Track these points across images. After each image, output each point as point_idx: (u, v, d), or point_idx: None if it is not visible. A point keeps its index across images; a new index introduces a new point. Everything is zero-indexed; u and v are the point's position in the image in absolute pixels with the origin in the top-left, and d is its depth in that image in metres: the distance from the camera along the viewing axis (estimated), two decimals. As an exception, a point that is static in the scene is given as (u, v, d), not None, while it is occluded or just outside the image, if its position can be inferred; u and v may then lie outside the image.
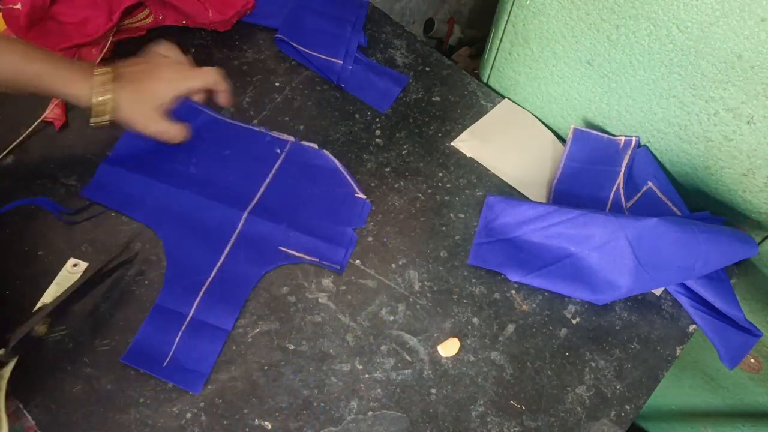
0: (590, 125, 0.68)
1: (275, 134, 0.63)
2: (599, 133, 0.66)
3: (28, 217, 0.57)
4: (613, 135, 0.66)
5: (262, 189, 0.60)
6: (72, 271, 0.54)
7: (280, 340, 0.53)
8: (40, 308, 0.50)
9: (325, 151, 0.62)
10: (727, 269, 0.59)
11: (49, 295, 0.52)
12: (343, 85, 0.69)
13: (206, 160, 0.61)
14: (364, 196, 0.61)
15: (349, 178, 0.62)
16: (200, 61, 0.70)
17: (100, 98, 0.54)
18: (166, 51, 0.61)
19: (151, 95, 0.57)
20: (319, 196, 0.61)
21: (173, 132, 0.59)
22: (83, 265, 0.54)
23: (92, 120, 0.55)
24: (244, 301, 0.54)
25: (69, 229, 0.57)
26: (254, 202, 0.59)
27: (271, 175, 0.61)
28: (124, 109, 0.55)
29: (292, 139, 0.63)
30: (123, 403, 0.49)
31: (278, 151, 0.62)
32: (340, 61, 0.69)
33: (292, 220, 0.58)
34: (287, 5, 0.73)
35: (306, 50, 0.70)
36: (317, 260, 0.57)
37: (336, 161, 0.62)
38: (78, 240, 0.56)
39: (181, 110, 0.60)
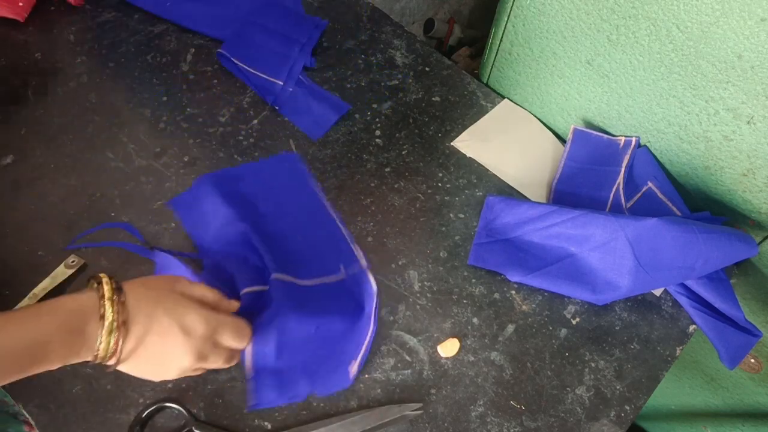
0: (590, 125, 0.68)
1: (353, 246, 0.57)
2: (599, 133, 0.66)
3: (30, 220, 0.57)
4: (613, 135, 0.66)
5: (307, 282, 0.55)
6: (70, 266, 0.54)
7: (279, 341, 0.53)
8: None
9: (375, 296, 0.54)
10: (726, 269, 0.59)
11: (42, 287, 0.52)
12: (277, 108, 0.67)
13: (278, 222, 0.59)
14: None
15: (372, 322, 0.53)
16: (200, 60, 0.70)
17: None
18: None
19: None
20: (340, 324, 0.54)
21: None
22: (80, 261, 0.54)
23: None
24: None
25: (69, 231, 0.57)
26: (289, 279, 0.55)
27: (320, 281, 0.56)
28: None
29: (363, 263, 0.56)
30: (122, 404, 0.49)
31: (341, 268, 0.57)
32: (281, 83, 0.67)
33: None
34: (237, 19, 0.71)
35: (247, 67, 0.68)
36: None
37: (374, 298, 0.53)
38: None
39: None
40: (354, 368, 0.51)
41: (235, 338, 0.46)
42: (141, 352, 0.41)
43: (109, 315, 0.39)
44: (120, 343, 0.39)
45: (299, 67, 0.69)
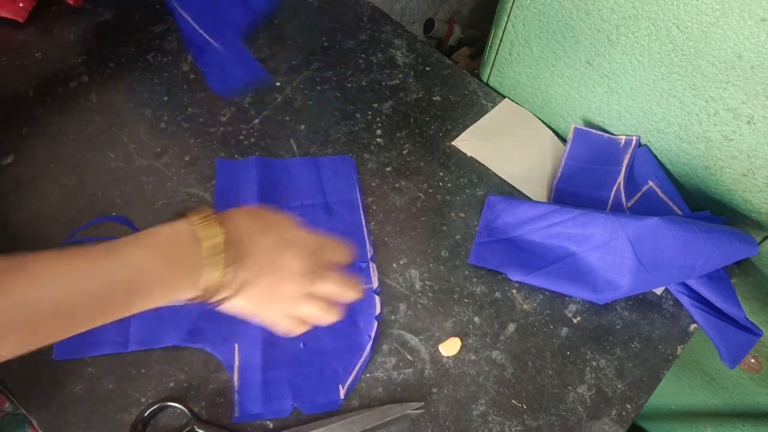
0: (590, 125, 0.68)
1: (371, 267, 0.57)
2: (600, 133, 0.66)
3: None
4: (614, 134, 0.66)
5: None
6: None
7: (281, 340, 0.53)
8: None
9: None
10: (727, 269, 0.59)
11: None
12: (192, 57, 0.65)
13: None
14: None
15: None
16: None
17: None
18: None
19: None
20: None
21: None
22: None
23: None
24: None
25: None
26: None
27: None
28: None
29: (374, 286, 0.56)
30: (124, 403, 0.49)
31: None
32: (205, 35, 0.63)
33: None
34: None
35: (184, 13, 0.63)
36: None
37: (375, 326, 0.53)
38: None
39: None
40: (342, 392, 0.50)
41: (340, 253, 0.43)
42: (250, 270, 0.37)
43: (212, 234, 0.36)
44: (226, 267, 0.36)
45: (235, 29, 0.65)
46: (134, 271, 0.34)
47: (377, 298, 0.55)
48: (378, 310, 0.54)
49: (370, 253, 0.57)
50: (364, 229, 0.59)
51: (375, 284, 0.56)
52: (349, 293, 0.43)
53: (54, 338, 0.33)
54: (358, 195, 0.61)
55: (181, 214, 0.38)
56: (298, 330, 0.43)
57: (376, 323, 0.53)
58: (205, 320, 0.52)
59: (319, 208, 0.60)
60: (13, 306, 0.30)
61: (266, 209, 0.42)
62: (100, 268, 0.33)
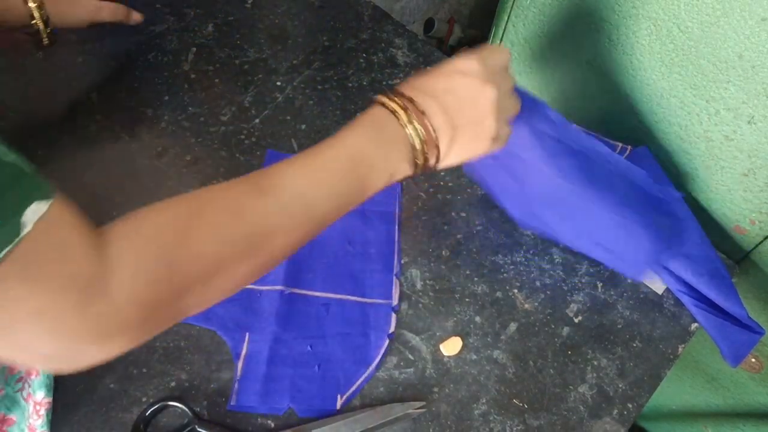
0: (590, 125, 0.68)
1: (394, 283, 0.56)
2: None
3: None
4: (614, 136, 0.66)
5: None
6: None
7: (282, 339, 0.53)
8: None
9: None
10: (728, 268, 0.59)
11: None
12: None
13: None
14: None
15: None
16: (201, 59, 0.70)
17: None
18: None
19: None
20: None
21: None
22: None
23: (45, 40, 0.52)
24: None
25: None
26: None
27: (339, 297, 0.56)
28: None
29: (393, 303, 0.56)
30: (126, 402, 0.49)
31: (369, 293, 0.56)
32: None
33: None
34: None
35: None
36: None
37: (386, 342, 0.53)
38: None
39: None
40: (339, 402, 0.50)
41: (499, 55, 0.46)
42: (444, 116, 0.40)
43: (400, 113, 0.39)
44: (430, 129, 0.40)
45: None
46: (356, 151, 0.39)
47: (393, 316, 0.55)
48: (392, 328, 0.54)
49: (396, 269, 0.57)
50: (396, 244, 0.59)
51: (395, 301, 0.55)
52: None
53: (323, 226, 0.38)
54: (397, 209, 0.61)
55: (372, 101, 0.42)
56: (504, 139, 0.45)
57: (387, 340, 0.53)
58: (222, 304, 0.52)
59: (355, 213, 0.59)
60: (290, 201, 0.36)
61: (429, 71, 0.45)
62: (330, 159, 0.38)
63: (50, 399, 0.45)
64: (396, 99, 0.40)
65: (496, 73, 0.44)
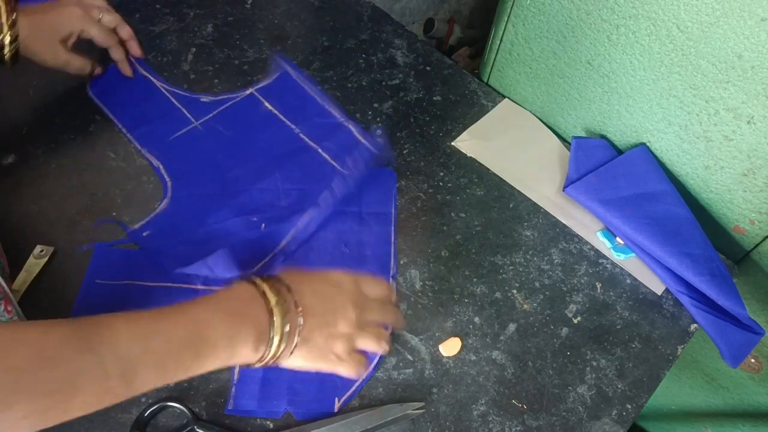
0: (590, 125, 0.68)
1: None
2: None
3: None
4: (614, 136, 0.66)
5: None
6: (40, 256, 0.54)
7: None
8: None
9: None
10: (728, 268, 0.59)
11: (21, 281, 0.52)
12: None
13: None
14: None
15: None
16: (201, 60, 0.70)
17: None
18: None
19: None
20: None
21: None
22: (49, 249, 0.54)
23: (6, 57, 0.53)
24: None
25: (30, 217, 0.57)
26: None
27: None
28: None
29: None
30: (124, 403, 0.49)
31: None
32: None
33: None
34: None
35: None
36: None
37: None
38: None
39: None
40: (337, 405, 0.50)
41: (380, 289, 0.47)
42: (314, 332, 0.40)
43: (270, 296, 0.38)
44: (295, 322, 0.38)
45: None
46: (202, 327, 0.36)
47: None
48: (389, 329, 0.54)
49: (393, 270, 0.57)
50: (392, 245, 0.59)
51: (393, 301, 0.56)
52: (391, 320, 0.47)
53: (136, 393, 0.35)
54: (393, 210, 0.61)
55: (244, 278, 0.41)
56: (361, 369, 0.46)
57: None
58: None
59: (351, 215, 0.60)
60: (110, 362, 0.33)
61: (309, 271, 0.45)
62: (169, 327, 0.35)
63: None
64: (273, 284, 0.39)
65: (367, 300, 0.45)
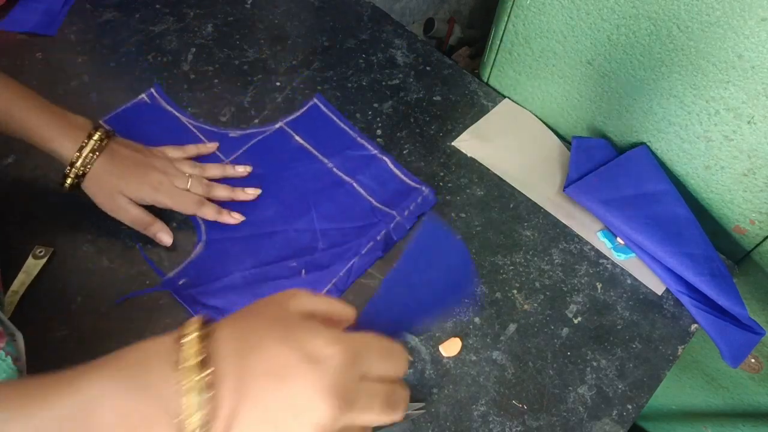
0: (590, 125, 0.68)
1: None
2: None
3: None
4: (614, 136, 0.66)
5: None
6: (39, 257, 0.54)
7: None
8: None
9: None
10: (728, 268, 0.59)
11: (20, 282, 0.52)
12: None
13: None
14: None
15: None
16: (201, 60, 0.70)
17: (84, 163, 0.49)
18: None
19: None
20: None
21: (144, 221, 0.54)
22: (49, 250, 0.54)
23: (67, 183, 0.52)
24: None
25: (33, 220, 0.57)
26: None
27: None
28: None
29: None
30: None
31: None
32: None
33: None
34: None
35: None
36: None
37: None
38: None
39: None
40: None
41: (390, 362, 0.29)
42: (251, 410, 0.26)
43: (194, 352, 0.25)
44: (215, 401, 0.25)
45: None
46: (87, 405, 0.25)
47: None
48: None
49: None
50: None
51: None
52: (401, 367, 0.30)
53: None
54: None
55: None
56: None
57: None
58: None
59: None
60: None
61: (288, 293, 0.30)
62: (48, 405, 0.26)
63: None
64: (197, 345, 0.26)
65: (364, 380, 0.28)
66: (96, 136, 0.51)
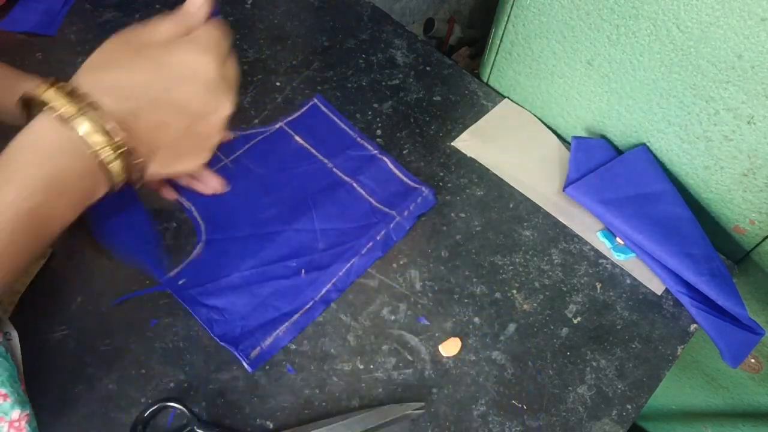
0: (590, 125, 0.68)
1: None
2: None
3: None
4: (614, 136, 0.66)
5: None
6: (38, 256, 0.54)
7: (281, 340, 0.53)
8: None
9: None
10: (727, 268, 0.59)
11: (20, 282, 0.52)
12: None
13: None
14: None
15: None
16: (201, 61, 0.70)
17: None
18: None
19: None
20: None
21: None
22: (48, 250, 0.54)
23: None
24: None
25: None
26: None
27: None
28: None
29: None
30: (124, 403, 0.49)
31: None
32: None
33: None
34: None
35: None
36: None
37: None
38: None
39: None
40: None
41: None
42: (159, 138, 0.30)
43: (94, 136, 0.28)
44: (132, 155, 0.29)
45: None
46: (23, 212, 0.28)
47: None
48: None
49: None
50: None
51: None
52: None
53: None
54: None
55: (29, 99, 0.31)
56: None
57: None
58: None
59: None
60: None
61: (126, 31, 0.34)
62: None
63: (28, 412, 0.45)
64: (71, 101, 0.30)
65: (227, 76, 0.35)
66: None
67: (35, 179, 0.29)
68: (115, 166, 0.30)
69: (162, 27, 0.33)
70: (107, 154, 0.29)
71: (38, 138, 0.30)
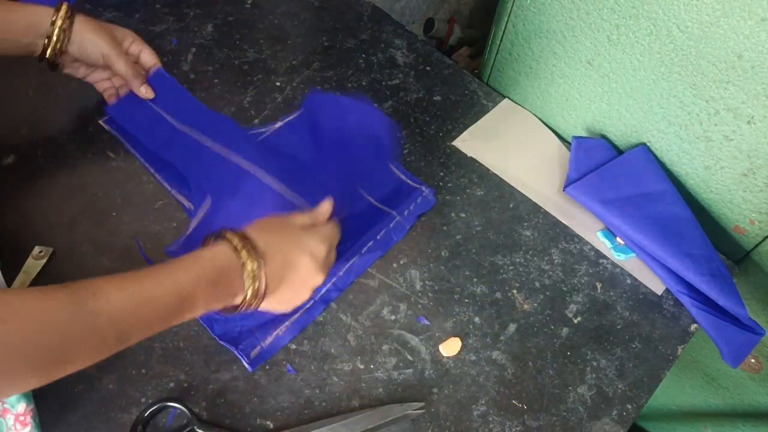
0: (590, 125, 0.68)
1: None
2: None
3: None
4: (614, 136, 0.66)
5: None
6: (39, 257, 0.54)
7: (281, 340, 0.53)
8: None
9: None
10: (728, 268, 0.59)
11: (19, 282, 0.52)
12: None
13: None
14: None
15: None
16: (201, 60, 0.70)
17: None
18: None
19: None
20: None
21: None
22: (48, 250, 0.54)
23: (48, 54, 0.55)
24: None
25: (30, 220, 0.57)
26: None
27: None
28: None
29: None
30: (125, 403, 0.49)
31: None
32: None
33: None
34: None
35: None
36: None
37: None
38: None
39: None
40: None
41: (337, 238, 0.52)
42: (280, 287, 0.46)
43: (248, 264, 0.43)
44: (263, 286, 0.44)
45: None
46: (187, 293, 0.40)
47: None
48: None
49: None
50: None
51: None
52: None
53: (126, 345, 0.38)
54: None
55: (216, 235, 0.44)
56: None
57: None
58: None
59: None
60: (104, 325, 0.36)
61: (281, 215, 0.50)
62: (158, 294, 0.39)
63: (33, 407, 0.45)
64: (250, 251, 0.43)
65: (331, 254, 0.50)
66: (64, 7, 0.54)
67: (206, 270, 0.41)
68: (248, 282, 0.43)
69: (300, 218, 0.50)
70: (250, 268, 0.43)
71: (216, 252, 0.43)
